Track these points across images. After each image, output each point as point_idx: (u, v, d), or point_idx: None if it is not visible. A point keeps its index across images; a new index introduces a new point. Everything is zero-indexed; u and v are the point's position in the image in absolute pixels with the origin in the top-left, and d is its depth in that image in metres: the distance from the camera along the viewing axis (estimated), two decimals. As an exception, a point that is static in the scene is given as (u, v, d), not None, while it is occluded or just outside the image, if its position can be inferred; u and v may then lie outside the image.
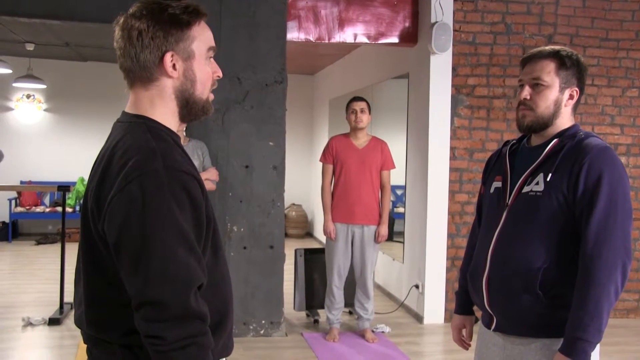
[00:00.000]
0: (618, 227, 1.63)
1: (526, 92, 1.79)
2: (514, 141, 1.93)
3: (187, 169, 1.21)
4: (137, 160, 1.17)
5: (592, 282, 1.61)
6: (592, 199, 1.64)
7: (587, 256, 1.63)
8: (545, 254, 1.70)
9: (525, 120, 1.80)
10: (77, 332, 1.37)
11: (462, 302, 2.04)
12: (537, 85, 1.78)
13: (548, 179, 1.71)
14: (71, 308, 4.89)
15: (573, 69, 1.78)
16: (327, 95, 8.56)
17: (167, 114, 1.30)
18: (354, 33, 4.94)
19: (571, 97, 1.80)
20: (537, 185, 1.73)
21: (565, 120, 1.80)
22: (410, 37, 5.05)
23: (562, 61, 1.77)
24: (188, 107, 1.31)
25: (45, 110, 8.86)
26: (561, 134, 1.78)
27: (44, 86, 8.34)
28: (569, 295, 1.66)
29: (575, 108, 1.83)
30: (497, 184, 1.88)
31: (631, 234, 1.69)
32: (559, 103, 1.78)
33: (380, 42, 5.04)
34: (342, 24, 4.90)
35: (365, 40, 4.99)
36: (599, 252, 1.62)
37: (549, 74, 1.77)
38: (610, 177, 1.65)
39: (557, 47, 1.81)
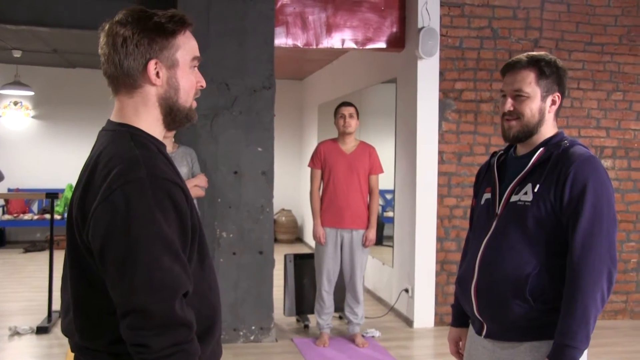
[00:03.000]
0: (603, 236, 1.66)
1: (509, 105, 1.81)
2: (501, 151, 1.95)
3: (171, 177, 1.22)
4: (120, 169, 1.17)
5: (579, 290, 1.63)
6: (577, 207, 1.67)
7: (574, 264, 1.66)
8: (535, 261, 1.72)
9: (512, 131, 1.81)
10: (66, 340, 1.37)
11: (458, 314, 2.04)
12: (519, 97, 1.79)
13: (536, 190, 1.73)
14: (59, 316, 4.85)
15: (553, 76, 1.79)
16: (315, 101, 8.58)
17: (151, 122, 1.30)
18: (342, 38, 4.97)
19: (553, 102, 1.82)
20: (526, 195, 1.75)
21: (549, 127, 1.82)
22: (397, 42, 5.08)
23: (542, 70, 1.78)
24: (172, 115, 1.32)
25: (33, 117, 8.81)
26: (546, 142, 1.80)
27: (32, 93, 8.30)
28: (559, 299, 1.68)
29: (558, 113, 1.86)
30: (487, 195, 1.90)
31: (616, 240, 1.71)
32: (542, 111, 1.80)
33: (367, 47, 5.06)
34: (329, 29, 4.92)
35: (353, 45, 5.02)
36: (585, 261, 1.64)
37: (530, 84, 1.78)
38: (595, 186, 1.67)
39: (535, 55, 1.81)
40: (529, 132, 1.80)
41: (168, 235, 1.16)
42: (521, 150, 1.86)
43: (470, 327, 1.95)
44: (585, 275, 1.63)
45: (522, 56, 1.83)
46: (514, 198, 1.78)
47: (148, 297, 1.13)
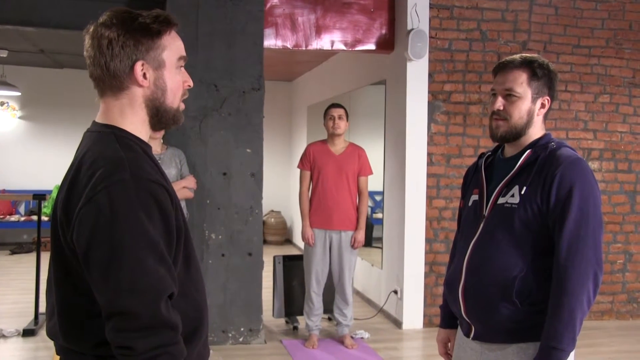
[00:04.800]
0: (589, 238, 1.66)
1: (499, 103, 1.81)
2: (489, 153, 1.95)
3: (156, 178, 1.21)
4: (104, 171, 1.16)
5: (566, 292, 1.64)
6: (563, 210, 1.67)
7: (560, 267, 1.66)
8: (522, 263, 1.72)
9: (499, 130, 1.82)
10: (52, 343, 1.35)
11: (447, 315, 2.04)
12: (509, 96, 1.79)
13: (523, 192, 1.73)
14: (46, 319, 4.81)
15: (544, 78, 1.80)
16: (305, 102, 8.58)
17: (137, 123, 1.30)
18: (331, 40, 4.97)
19: (543, 106, 1.82)
20: (513, 197, 1.75)
21: (537, 129, 1.83)
22: (387, 44, 5.09)
23: (534, 72, 1.78)
24: (159, 116, 1.31)
25: (19, 117, 8.73)
26: (534, 144, 1.80)
27: (19, 93, 8.22)
28: (545, 301, 1.69)
29: (546, 116, 1.86)
30: (474, 197, 1.90)
31: (602, 243, 1.71)
32: (531, 113, 1.80)
33: (357, 49, 5.07)
34: (319, 31, 4.93)
35: (342, 47, 5.02)
36: (571, 263, 1.65)
37: (521, 85, 1.78)
38: (581, 188, 1.68)
39: (528, 56, 1.82)
40: (517, 133, 1.80)
41: (153, 237, 1.15)
42: (509, 151, 1.87)
43: (459, 328, 1.95)
44: (571, 278, 1.64)
45: (516, 56, 1.83)
46: (501, 200, 1.78)
47: (132, 299, 1.12)
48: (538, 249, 1.72)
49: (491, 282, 1.74)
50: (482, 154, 1.97)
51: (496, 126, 1.82)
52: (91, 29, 1.26)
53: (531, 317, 1.71)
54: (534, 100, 1.80)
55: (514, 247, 1.73)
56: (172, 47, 1.29)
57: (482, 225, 1.82)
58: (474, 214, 1.87)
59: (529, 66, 1.79)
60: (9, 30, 5.37)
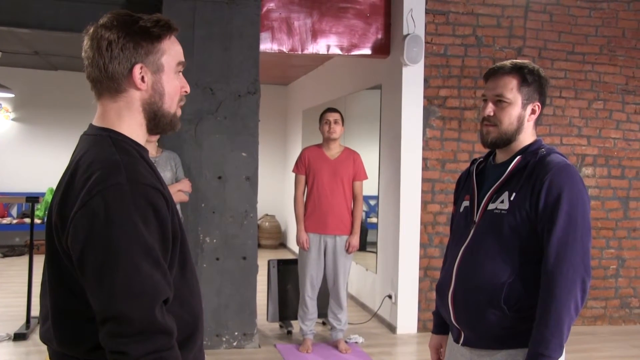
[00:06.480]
0: (577, 244, 1.67)
1: (490, 109, 1.82)
2: (481, 159, 1.96)
3: (152, 182, 1.20)
4: (100, 175, 1.16)
5: (553, 298, 1.64)
6: (552, 216, 1.67)
7: (548, 273, 1.66)
8: (510, 269, 1.72)
9: (490, 136, 1.83)
10: (44, 347, 1.35)
11: (439, 321, 2.04)
12: (500, 102, 1.80)
13: (512, 198, 1.74)
14: (38, 323, 4.77)
15: (535, 84, 1.81)
16: (300, 106, 8.59)
17: (134, 126, 1.29)
18: (327, 44, 4.98)
19: (533, 112, 1.83)
20: (502, 203, 1.76)
21: (527, 135, 1.84)
22: (382, 48, 5.10)
23: (524, 77, 1.79)
24: (156, 120, 1.31)
25: (13, 119, 8.69)
26: (524, 150, 1.81)
27: (12, 95, 8.18)
28: (533, 308, 1.69)
29: (537, 121, 1.87)
30: (466, 203, 1.90)
31: (590, 249, 1.71)
32: (521, 119, 1.81)
33: (353, 53, 5.08)
34: (315, 35, 4.93)
35: (338, 51, 5.03)
36: (559, 269, 1.65)
37: (512, 90, 1.79)
38: (570, 195, 1.68)
39: (519, 62, 1.83)
40: (507, 139, 1.81)
41: (148, 241, 1.15)
42: (500, 157, 1.87)
43: (450, 336, 1.95)
44: (559, 284, 1.64)
45: (506, 62, 1.84)
46: (491, 206, 1.79)
47: (127, 304, 1.11)
48: (527, 255, 1.72)
49: (480, 288, 1.75)
50: (474, 160, 1.98)
51: (486, 132, 1.83)
52: (91, 30, 1.26)
53: (519, 324, 1.71)
54: (524, 106, 1.80)
55: (503, 253, 1.73)
56: (172, 51, 1.29)
57: (472, 231, 1.82)
58: (464, 220, 1.88)
59: (519, 72, 1.79)
60: (3, 32, 5.35)
